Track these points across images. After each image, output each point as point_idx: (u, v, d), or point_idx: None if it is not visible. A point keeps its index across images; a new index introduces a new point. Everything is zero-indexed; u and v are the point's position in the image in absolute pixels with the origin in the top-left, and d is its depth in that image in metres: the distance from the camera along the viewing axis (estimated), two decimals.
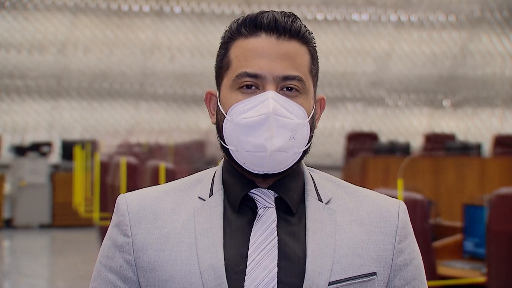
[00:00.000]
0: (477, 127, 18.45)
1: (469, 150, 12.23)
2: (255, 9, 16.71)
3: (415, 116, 18.38)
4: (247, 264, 1.58)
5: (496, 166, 10.50)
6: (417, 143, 16.42)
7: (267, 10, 1.66)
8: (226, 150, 1.65)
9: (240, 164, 1.63)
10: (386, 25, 17.76)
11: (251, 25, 1.65)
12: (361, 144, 14.19)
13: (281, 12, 1.66)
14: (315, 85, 1.69)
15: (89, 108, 16.89)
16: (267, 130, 1.59)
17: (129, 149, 13.02)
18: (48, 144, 14.23)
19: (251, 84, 1.63)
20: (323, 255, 1.60)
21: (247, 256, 1.59)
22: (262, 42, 1.63)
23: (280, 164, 1.62)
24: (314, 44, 1.69)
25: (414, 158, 10.66)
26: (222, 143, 1.65)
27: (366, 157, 11.20)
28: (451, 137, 15.57)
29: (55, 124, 16.68)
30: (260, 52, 1.63)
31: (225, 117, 1.64)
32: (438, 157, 11.01)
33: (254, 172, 1.63)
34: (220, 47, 1.69)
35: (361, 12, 17.58)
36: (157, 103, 17.23)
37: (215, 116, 1.69)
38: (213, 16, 16.92)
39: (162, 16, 16.92)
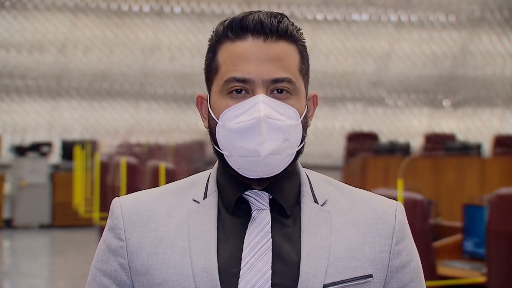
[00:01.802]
0: (477, 127, 18.45)
1: (469, 150, 12.23)
2: (255, 9, 16.65)
3: (415, 116, 18.38)
4: (241, 267, 1.57)
5: (496, 166, 10.50)
6: (417, 143, 16.42)
7: (252, 12, 1.65)
8: (220, 155, 1.64)
9: (235, 169, 1.62)
10: (386, 25, 17.76)
11: (237, 28, 1.63)
12: (361, 144, 14.18)
13: (268, 12, 1.64)
14: (306, 84, 1.67)
15: (89, 108, 16.90)
16: (258, 134, 1.58)
17: (129, 149, 13.02)
18: (48, 144, 14.23)
19: (241, 88, 1.61)
20: (317, 257, 1.59)
21: (241, 259, 1.58)
22: (250, 46, 1.61)
23: (274, 167, 1.60)
24: (303, 41, 1.67)
25: (414, 158, 10.66)
26: (216, 148, 1.64)
27: (366, 157, 11.20)
28: (451, 137, 15.57)
29: (55, 124, 16.69)
30: (248, 56, 1.61)
31: (217, 122, 1.62)
32: (438, 157, 11.01)
33: (249, 177, 1.62)
34: (208, 50, 1.67)
35: (361, 12, 17.57)
36: (157, 103, 17.23)
37: (207, 120, 1.68)
38: (213, 16, 16.91)
39: (162, 16, 16.92)
